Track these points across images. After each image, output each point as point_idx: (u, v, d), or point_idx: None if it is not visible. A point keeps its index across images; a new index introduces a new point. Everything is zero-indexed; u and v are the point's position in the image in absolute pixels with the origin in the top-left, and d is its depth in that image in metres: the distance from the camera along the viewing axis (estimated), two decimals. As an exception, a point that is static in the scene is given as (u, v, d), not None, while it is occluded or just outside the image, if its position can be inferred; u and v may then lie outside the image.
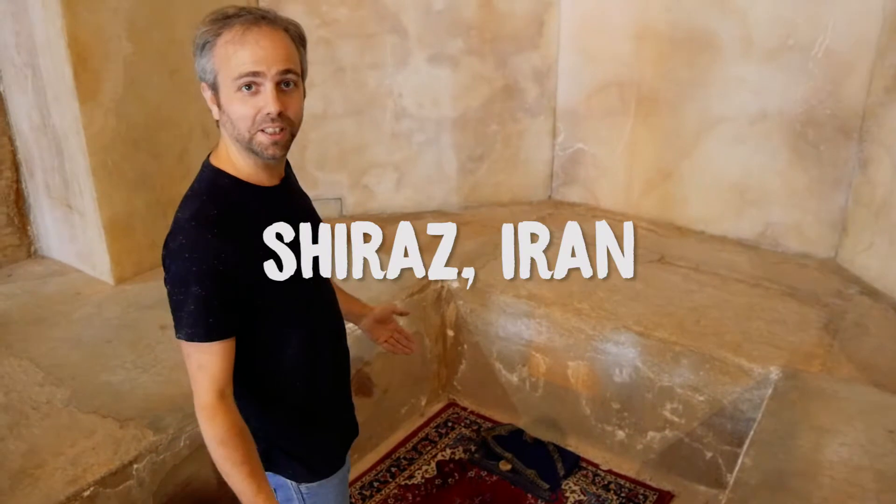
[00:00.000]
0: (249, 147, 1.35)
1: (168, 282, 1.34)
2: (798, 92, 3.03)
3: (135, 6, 2.71)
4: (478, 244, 3.33)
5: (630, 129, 3.49)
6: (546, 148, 3.74)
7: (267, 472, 1.49)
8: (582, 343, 2.80)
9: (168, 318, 1.35)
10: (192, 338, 1.33)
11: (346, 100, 3.44)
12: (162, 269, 1.39)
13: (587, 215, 3.63)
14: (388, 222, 3.70)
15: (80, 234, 2.96)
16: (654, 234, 3.43)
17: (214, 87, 1.33)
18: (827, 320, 2.73)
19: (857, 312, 2.79)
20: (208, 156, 1.43)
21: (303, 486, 1.55)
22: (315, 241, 1.39)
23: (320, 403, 1.58)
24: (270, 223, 1.36)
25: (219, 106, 1.35)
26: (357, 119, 3.48)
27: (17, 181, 3.05)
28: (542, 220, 3.60)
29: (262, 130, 1.32)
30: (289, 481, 1.54)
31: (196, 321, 1.31)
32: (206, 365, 1.34)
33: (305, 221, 1.41)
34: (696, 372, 2.58)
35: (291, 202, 1.50)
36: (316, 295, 1.54)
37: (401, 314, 1.96)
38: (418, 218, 3.63)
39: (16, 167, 3.03)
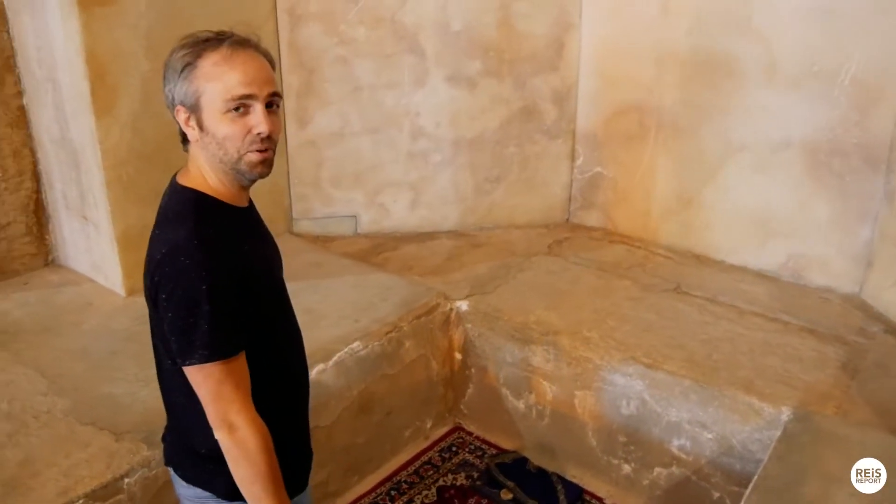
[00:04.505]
0: (236, 167, 1.37)
1: (171, 307, 1.32)
2: (823, 120, 2.93)
3: (153, 24, 2.75)
4: (490, 267, 3.30)
5: (650, 155, 3.42)
6: (564, 171, 3.69)
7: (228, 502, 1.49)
8: (590, 373, 2.73)
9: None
10: (211, 357, 1.31)
11: (362, 118, 3.44)
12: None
13: (604, 240, 3.57)
14: (402, 241, 3.71)
15: (95, 246, 3.00)
16: (672, 261, 3.35)
17: (195, 109, 1.35)
18: (846, 359, 2.63)
19: (879, 352, 2.67)
20: (173, 178, 1.44)
21: None
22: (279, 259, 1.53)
23: (293, 418, 1.61)
24: (249, 241, 1.43)
25: (200, 128, 1.35)
26: (373, 137, 3.48)
27: (38, 192, 3.11)
28: (558, 243, 3.55)
29: (252, 150, 1.35)
30: None
31: (212, 340, 1.31)
32: (228, 379, 1.34)
33: (271, 242, 1.56)
34: (705, 408, 2.50)
35: (260, 222, 1.56)
36: (289, 308, 1.60)
37: None
38: (432, 238, 3.62)
39: (36, 178, 3.09)
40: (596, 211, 3.70)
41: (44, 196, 3.13)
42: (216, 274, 1.31)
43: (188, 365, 1.33)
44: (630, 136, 3.46)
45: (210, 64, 1.32)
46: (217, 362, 1.32)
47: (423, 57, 3.40)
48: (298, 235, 3.61)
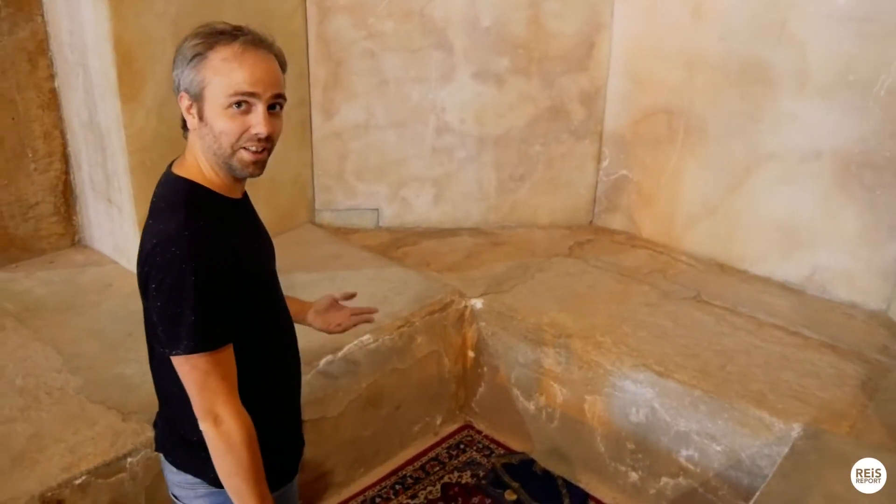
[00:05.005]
0: (228, 162, 1.39)
1: (160, 297, 1.33)
2: (855, 131, 2.84)
3: (180, 11, 2.78)
4: (509, 267, 3.28)
5: (676, 159, 3.36)
6: (590, 172, 3.64)
7: (218, 489, 1.50)
8: (600, 378, 2.70)
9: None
10: (196, 349, 1.33)
11: (388, 112, 3.45)
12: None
13: (626, 244, 3.52)
14: (423, 236, 3.70)
15: (118, 228, 3.06)
16: (694, 269, 3.29)
17: (198, 99, 1.36)
18: (866, 378, 2.55)
19: (901, 372, 2.59)
20: (169, 166, 1.46)
21: None
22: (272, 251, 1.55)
23: (285, 409, 1.62)
24: (241, 233, 1.45)
25: (200, 118, 1.36)
26: (399, 131, 3.48)
27: (66, 173, 3.18)
28: (579, 245, 3.51)
29: (246, 148, 1.36)
30: None
31: (198, 332, 1.33)
32: (214, 371, 1.36)
33: (264, 233, 1.56)
34: (715, 420, 2.45)
35: (253, 214, 1.57)
36: (281, 299, 1.61)
37: (347, 297, 1.96)
38: (454, 234, 3.60)
39: (65, 160, 3.16)
40: (620, 214, 3.65)
41: (72, 178, 3.20)
42: (205, 266, 1.32)
43: (174, 355, 1.35)
44: (657, 139, 3.40)
45: (220, 58, 1.33)
46: (203, 354, 1.33)
47: (451, 52, 3.38)
48: (320, 226, 3.63)
